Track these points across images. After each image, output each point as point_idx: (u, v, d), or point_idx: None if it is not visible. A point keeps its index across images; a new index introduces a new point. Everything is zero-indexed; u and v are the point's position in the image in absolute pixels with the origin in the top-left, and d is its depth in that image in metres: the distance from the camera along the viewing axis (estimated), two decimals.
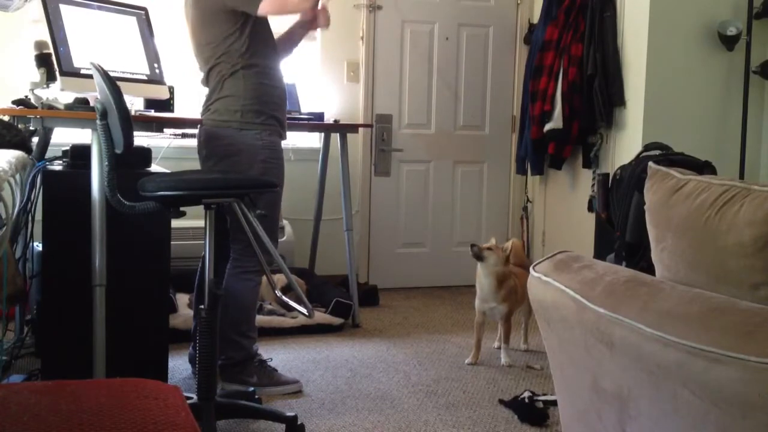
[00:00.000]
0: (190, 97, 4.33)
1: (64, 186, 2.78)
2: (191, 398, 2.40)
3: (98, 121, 2.40)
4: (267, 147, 2.97)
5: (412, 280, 5.02)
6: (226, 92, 2.94)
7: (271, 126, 3.00)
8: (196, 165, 3.30)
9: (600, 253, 3.50)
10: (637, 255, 3.14)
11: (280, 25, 3.24)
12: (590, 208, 4.11)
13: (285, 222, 4.43)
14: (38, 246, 3.05)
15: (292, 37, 3.26)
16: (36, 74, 3.02)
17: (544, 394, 2.98)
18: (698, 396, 1.20)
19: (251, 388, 2.88)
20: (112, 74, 2.42)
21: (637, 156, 3.42)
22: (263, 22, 3.01)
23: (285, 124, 3.10)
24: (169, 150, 4.10)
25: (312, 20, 3.18)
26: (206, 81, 3.02)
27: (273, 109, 3.01)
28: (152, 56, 3.07)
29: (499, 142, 5.22)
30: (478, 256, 3.45)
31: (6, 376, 2.85)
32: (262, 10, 2.85)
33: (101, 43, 2.91)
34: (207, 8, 2.91)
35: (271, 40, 3.08)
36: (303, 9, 3.09)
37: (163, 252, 2.89)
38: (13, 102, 2.99)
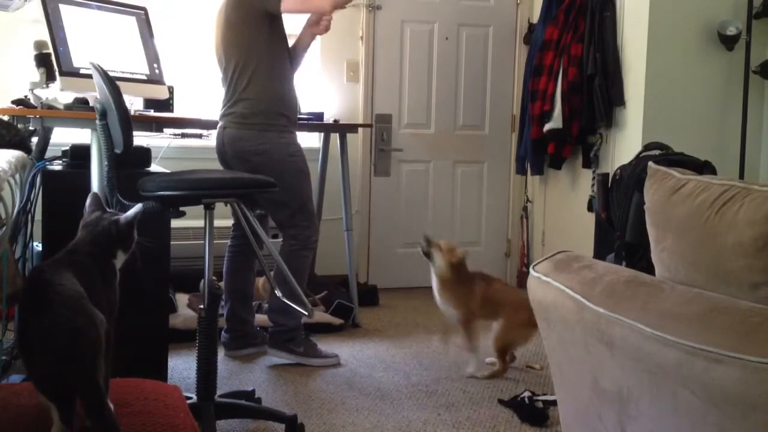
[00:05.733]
0: (190, 97, 4.33)
1: (63, 186, 2.78)
2: (191, 398, 2.40)
3: (98, 121, 2.40)
4: (291, 143, 3.25)
5: (412, 280, 5.00)
6: (249, 94, 3.16)
7: (289, 125, 3.27)
8: (195, 165, 3.30)
9: (600, 253, 3.49)
10: (637, 255, 3.13)
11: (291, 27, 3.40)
12: (590, 208, 4.10)
13: None
14: (38, 246, 3.04)
15: (300, 45, 3.42)
16: (36, 74, 3.02)
17: (544, 394, 2.98)
18: (698, 396, 1.20)
19: (294, 360, 3.30)
20: (111, 74, 2.42)
21: (637, 156, 3.42)
22: (282, 33, 3.23)
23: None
24: (169, 150, 4.10)
25: (317, 22, 3.34)
26: (229, 81, 3.20)
27: (291, 112, 3.28)
28: (152, 56, 3.08)
29: (499, 142, 5.22)
30: (427, 254, 3.28)
31: (6, 376, 2.84)
32: (284, 7, 3.08)
33: (101, 43, 2.91)
34: (245, 10, 3.12)
35: (287, 50, 3.31)
36: (322, 9, 3.25)
37: (163, 252, 2.89)
38: (13, 102, 2.98)
